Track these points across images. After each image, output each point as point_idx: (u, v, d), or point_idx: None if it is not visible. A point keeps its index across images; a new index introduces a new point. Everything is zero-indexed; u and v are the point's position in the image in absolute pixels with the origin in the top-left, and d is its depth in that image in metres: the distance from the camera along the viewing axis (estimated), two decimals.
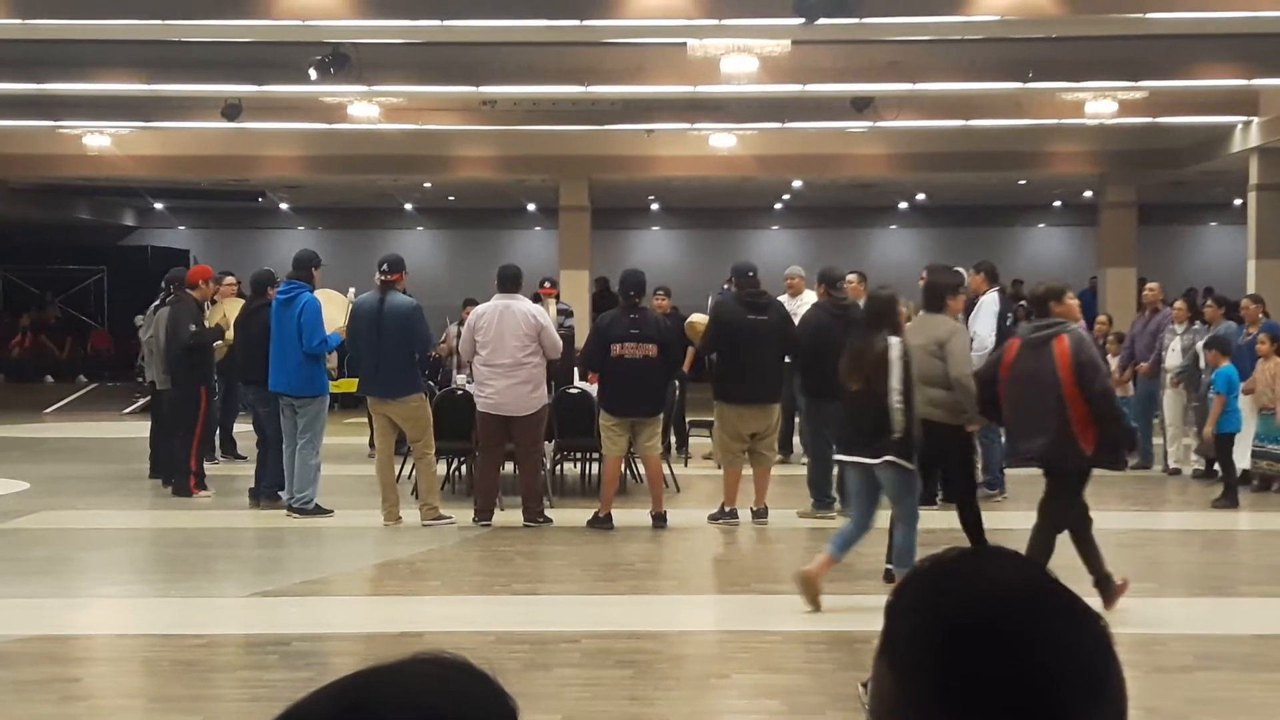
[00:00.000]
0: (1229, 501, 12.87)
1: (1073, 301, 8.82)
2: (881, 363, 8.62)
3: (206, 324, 13.80)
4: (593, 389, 13.40)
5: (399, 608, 9.00)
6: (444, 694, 1.19)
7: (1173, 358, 14.88)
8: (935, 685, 1.25)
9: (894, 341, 8.71)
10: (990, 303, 13.16)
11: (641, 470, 12.60)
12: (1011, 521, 11.96)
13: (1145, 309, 16.10)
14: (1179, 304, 15.40)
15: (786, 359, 12.44)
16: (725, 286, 12.19)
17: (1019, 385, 8.52)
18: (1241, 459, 13.51)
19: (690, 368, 15.31)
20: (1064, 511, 8.47)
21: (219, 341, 13.73)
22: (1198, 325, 14.97)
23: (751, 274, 12.07)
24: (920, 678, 1.27)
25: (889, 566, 9.24)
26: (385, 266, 11.83)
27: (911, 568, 1.37)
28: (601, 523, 11.56)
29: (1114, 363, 15.24)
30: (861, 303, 13.91)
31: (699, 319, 13.65)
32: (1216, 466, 13.80)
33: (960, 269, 13.75)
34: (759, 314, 11.71)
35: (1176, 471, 14.97)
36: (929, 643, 1.27)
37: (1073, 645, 1.27)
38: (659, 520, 11.65)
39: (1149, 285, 16.36)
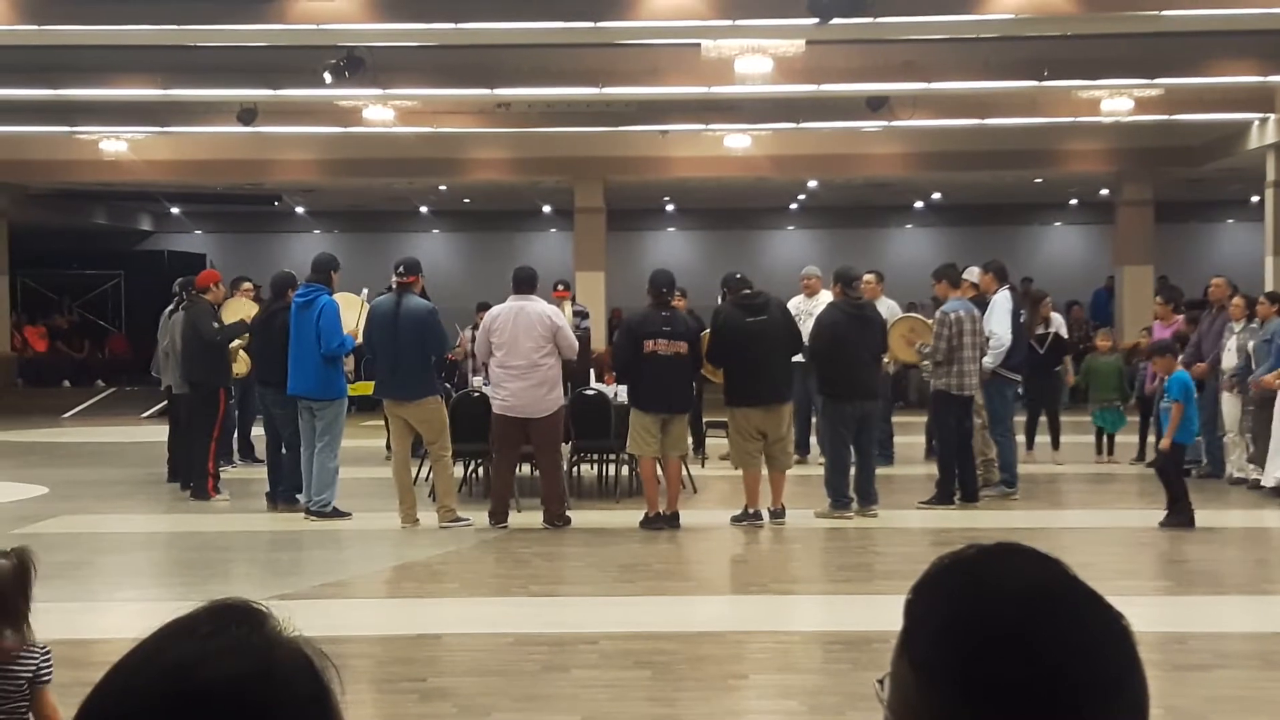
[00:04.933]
0: (1180, 519, 11.29)
1: None
2: None
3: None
4: (610, 390, 13.38)
5: (417, 610, 9.00)
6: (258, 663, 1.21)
7: (1229, 358, 13.67)
8: (957, 685, 1.25)
9: None
10: (1003, 301, 13.18)
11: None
12: (1022, 521, 11.95)
13: (1212, 306, 14.62)
14: (1236, 300, 14.02)
15: (798, 358, 12.41)
16: (724, 292, 12.15)
17: None
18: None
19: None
20: None
21: (235, 342, 13.72)
22: (1255, 324, 13.63)
23: (740, 277, 12.03)
24: (941, 677, 1.26)
25: None
26: (401, 269, 11.83)
27: (932, 564, 1.36)
28: (652, 522, 11.54)
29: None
30: (878, 302, 14.00)
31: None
32: (1261, 478, 13.03)
33: (974, 268, 13.81)
34: (758, 314, 11.65)
35: (1240, 481, 13.54)
36: (951, 643, 1.27)
37: (1093, 644, 1.27)
38: (672, 520, 11.63)
39: (1214, 280, 14.80)
